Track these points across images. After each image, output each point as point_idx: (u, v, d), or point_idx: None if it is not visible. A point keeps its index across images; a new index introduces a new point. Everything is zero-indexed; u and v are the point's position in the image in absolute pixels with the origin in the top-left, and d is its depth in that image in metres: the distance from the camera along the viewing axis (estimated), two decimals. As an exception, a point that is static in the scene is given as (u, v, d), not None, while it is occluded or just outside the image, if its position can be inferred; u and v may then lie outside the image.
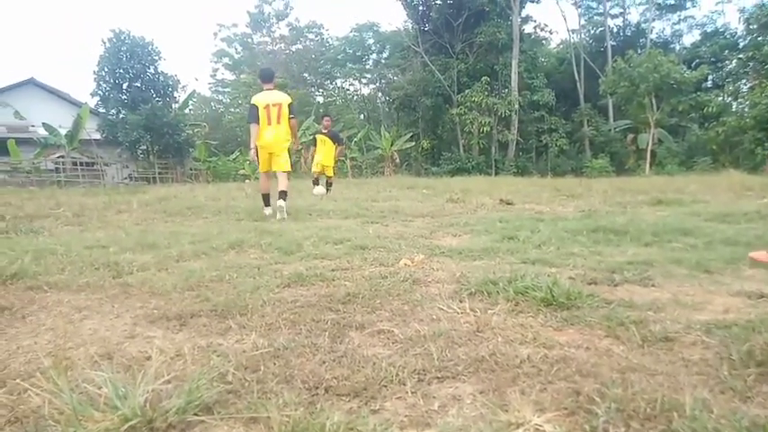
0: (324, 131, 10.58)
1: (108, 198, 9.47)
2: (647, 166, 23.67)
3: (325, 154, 10.37)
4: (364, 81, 41.45)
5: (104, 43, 22.96)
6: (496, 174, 24.77)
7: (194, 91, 30.74)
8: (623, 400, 1.28)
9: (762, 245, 3.63)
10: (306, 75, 41.37)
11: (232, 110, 39.54)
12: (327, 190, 10.27)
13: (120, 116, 22.83)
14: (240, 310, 2.25)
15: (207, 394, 1.37)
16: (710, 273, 2.91)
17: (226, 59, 44.01)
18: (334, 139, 10.58)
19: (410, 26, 32.53)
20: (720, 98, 26.79)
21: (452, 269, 3.13)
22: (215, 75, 45.20)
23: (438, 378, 1.53)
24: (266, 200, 6.79)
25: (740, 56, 27.03)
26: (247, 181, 19.71)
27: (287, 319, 2.14)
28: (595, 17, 35.69)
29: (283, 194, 6.44)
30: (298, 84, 37.40)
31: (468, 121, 26.47)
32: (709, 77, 28.63)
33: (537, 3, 32.26)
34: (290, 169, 6.91)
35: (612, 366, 1.56)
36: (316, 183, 10.41)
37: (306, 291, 2.65)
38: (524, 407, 1.31)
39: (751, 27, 25.01)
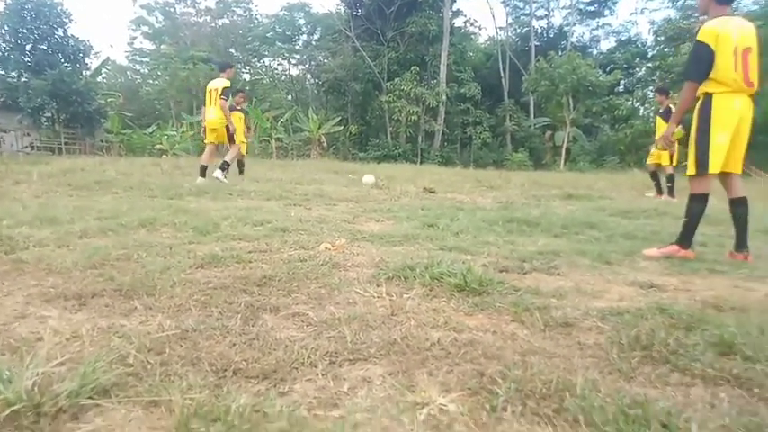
0: (237, 108, 10.00)
1: (4, 167, 8.69)
2: (562, 162, 25.00)
3: (239, 131, 9.96)
4: (293, 61, 40.52)
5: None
6: (422, 163, 25.16)
7: (108, 58, 28.77)
8: (522, 380, 1.35)
9: (657, 239, 3.95)
10: (232, 51, 39.73)
11: (150, 81, 37.31)
12: (241, 170, 9.83)
13: (23, 80, 20.89)
14: (147, 291, 2.14)
15: (104, 377, 1.30)
16: (610, 264, 3.12)
17: (145, 28, 41.31)
18: (247, 115, 10.26)
19: (342, 10, 32.09)
20: (630, 102, 28.74)
21: (372, 254, 3.15)
22: (132, 43, 42.35)
23: (349, 360, 1.54)
24: (202, 171, 7.83)
25: (649, 64, 29.10)
26: (164, 156, 18.78)
27: (198, 300, 2.07)
28: (522, 17, 36.97)
29: (224, 164, 7.83)
30: (224, 59, 35.91)
31: (397, 109, 26.65)
32: (621, 82, 30.55)
33: (468, -2, 33.02)
34: (224, 142, 8.10)
35: (515, 349, 1.64)
36: (241, 165, 9.95)
37: (220, 272, 2.57)
38: (431, 388, 1.35)
39: (659, 39, 26.98)
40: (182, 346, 1.59)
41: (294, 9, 38.32)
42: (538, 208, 5.84)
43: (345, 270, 2.73)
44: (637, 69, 31.95)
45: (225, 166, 7.88)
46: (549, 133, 28.64)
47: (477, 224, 4.34)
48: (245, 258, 2.86)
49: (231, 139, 8.00)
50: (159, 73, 30.92)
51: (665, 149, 3.42)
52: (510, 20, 36.57)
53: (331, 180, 10.26)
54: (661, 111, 8.58)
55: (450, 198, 7.20)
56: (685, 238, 3.37)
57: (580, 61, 23.95)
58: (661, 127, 8.33)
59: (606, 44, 37.04)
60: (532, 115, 30.88)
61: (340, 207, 5.78)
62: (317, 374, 1.43)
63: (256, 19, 40.80)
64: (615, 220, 5.03)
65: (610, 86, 25.93)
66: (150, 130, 25.74)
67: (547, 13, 37.01)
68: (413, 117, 26.75)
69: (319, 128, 25.41)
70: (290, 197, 6.44)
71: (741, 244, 3.35)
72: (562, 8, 37.01)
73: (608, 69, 28.40)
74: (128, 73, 42.70)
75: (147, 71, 39.07)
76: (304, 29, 39.12)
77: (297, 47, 39.26)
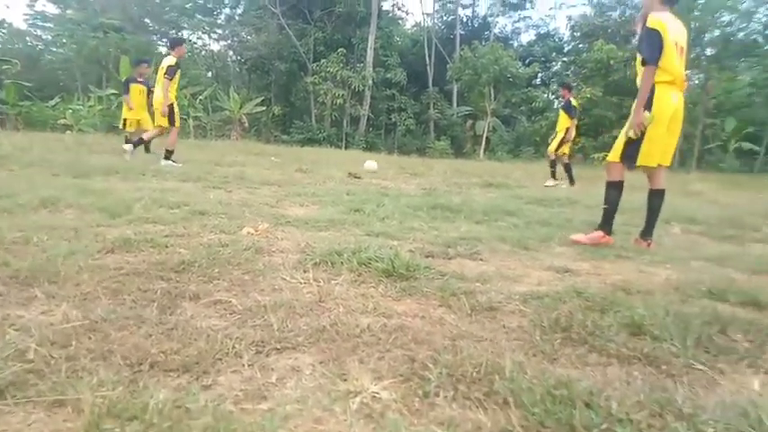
0: (140, 80, 9.48)
1: None
2: (482, 151, 25.80)
3: (140, 105, 9.30)
4: (214, 36, 38.52)
5: None
6: (347, 147, 25.02)
7: (4, 21, 26.01)
8: (453, 365, 1.36)
9: (570, 226, 4.16)
10: (147, 21, 37.27)
11: (54, 49, 34.16)
12: (147, 149, 9.14)
13: None
14: (49, 278, 1.96)
15: (-2, 376, 1.16)
16: (528, 249, 3.24)
17: (47, -11, 37.69)
18: (150, 88, 9.39)
19: (268, -16, 31.00)
20: (546, 95, 30.08)
21: (298, 239, 3.08)
22: (33, 5, 38.47)
23: (277, 349, 1.49)
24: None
25: (564, 59, 30.55)
26: (69, 132, 17.38)
27: (108, 288, 1.91)
28: (448, 4, 37.43)
29: (167, 153, 7.58)
30: (137, 30, 33.59)
31: (322, 92, 26.24)
32: (539, 75, 31.89)
33: (395, -19, 32.93)
34: (163, 125, 7.77)
35: (445, 334, 1.66)
36: (128, 141, 8.90)
37: (133, 257, 2.40)
38: (362, 375, 1.33)
39: (575, 34, 28.35)
40: (90, 338, 1.46)
41: (215, -20, 36.45)
42: (459, 195, 5.98)
43: (270, 255, 2.64)
44: (553, 63, 33.45)
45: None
46: (470, 122, 29.40)
47: (403, 210, 4.37)
48: (161, 243, 2.69)
49: (171, 121, 7.69)
50: (64, 41, 28.38)
51: (637, 137, 3.26)
52: (437, 6, 36.97)
53: (253, 162, 9.94)
54: (563, 104, 9.35)
55: (376, 184, 7.21)
56: (606, 224, 3.51)
57: (502, 52, 24.69)
58: (563, 120, 9.08)
59: (526, 37, 38.54)
60: (455, 104, 31.54)
61: (262, 190, 5.61)
62: (243, 365, 1.37)
63: (174, -12, 38.41)
64: (532, 207, 5.25)
65: (528, 78, 26.99)
66: (53, 102, 23.63)
67: (472, 2, 37.77)
68: (338, 100, 26.47)
69: (240, 107, 24.52)
70: (208, 179, 6.16)
71: (647, 232, 3.54)
72: (486, -1, 37.90)
73: (527, 62, 29.53)
74: (27, 39, 38.83)
75: (50, 38, 35.71)
76: (227, 2, 37.34)
77: (218, 21, 37.42)
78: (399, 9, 33.77)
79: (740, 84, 22.71)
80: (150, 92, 9.30)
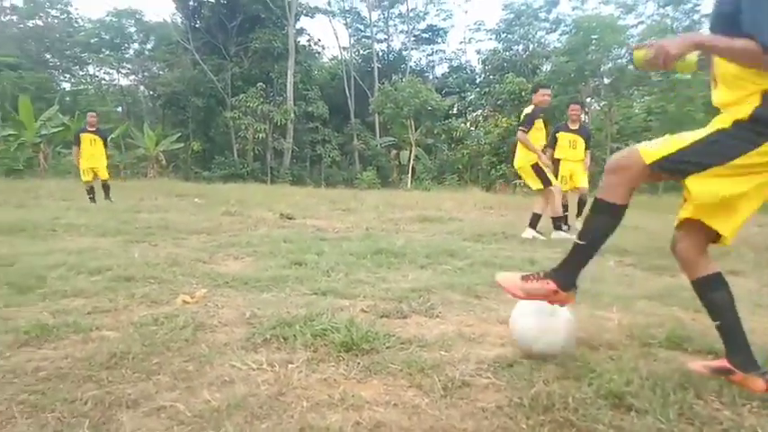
0: (91, 129, 9.80)
1: None
2: (409, 180, 26.26)
3: (96, 155, 9.68)
4: (123, 71, 37.01)
5: None
6: (272, 182, 24.60)
7: None
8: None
9: (512, 264, 4.19)
10: (48, 56, 35.12)
11: (-62, 87, 31.24)
12: (106, 196, 9.71)
13: None
14: (-51, 396, 1.63)
15: None
16: (479, 298, 3.19)
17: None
18: (105, 137, 10.09)
19: (179, 20, 30.32)
20: (464, 125, 31.28)
21: (240, 305, 2.85)
22: None
23: (242, 474, 1.29)
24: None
25: (477, 89, 32.02)
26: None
27: (25, 402, 1.62)
28: (363, 39, 38.27)
29: (534, 217, 6.29)
30: (37, 65, 31.54)
31: (243, 126, 25.77)
32: (455, 106, 33.15)
33: (311, 17, 33.26)
34: (536, 187, 6.40)
35: (425, 429, 1.52)
36: (91, 192, 9.60)
37: (53, 351, 2.09)
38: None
39: (487, 67, 29.84)
40: (8, 488, 1.19)
41: (123, 15, 35.02)
42: (399, 234, 5.92)
43: (213, 332, 2.40)
44: (468, 93, 34.95)
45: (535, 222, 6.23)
46: (394, 152, 29.92)
47: (346, 259, 4.21)
48: (85, 326, 2.37)
49: (544, 182, 6.19)
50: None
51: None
52: (352, 41, 37.65)
53: (175, 206, 9.43)
54: (585, 129, 7.44)
55: (311, 225, 7.01)
56: (569, 271, 1.96)
57: (421, 86, 25.49)
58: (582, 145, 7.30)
59: (440, 69, 39.93)
60: (378, 135, 32.02)
61: (191, 241, 5.26)
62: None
63: (77, 23, 36.52)
64: (471, 245, 5.26)
65: (447, 109, 28.00)
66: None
67: (386, 36, 38.82)
68: (260, 134, 26.06)
69: (157, 144, 23.51)
70: (129, 231, 5.70)
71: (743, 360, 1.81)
72: (400, 32, 39.10)
73: (443, 93, 30.66)
74: None
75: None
76: (135, 37, 35.99)
77: (127, 56, 35.96)
78: (316, 44, 34.05)
79: (636, 110, 24.72)
80: (104, 141, 9.85)
